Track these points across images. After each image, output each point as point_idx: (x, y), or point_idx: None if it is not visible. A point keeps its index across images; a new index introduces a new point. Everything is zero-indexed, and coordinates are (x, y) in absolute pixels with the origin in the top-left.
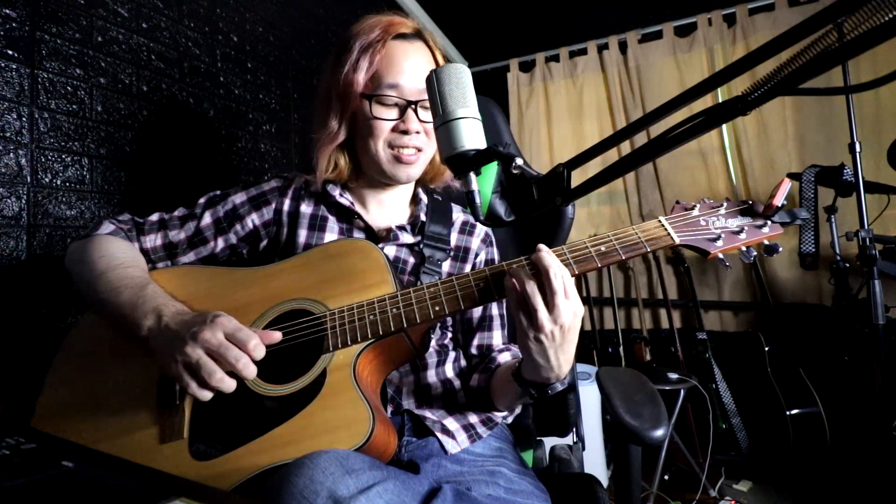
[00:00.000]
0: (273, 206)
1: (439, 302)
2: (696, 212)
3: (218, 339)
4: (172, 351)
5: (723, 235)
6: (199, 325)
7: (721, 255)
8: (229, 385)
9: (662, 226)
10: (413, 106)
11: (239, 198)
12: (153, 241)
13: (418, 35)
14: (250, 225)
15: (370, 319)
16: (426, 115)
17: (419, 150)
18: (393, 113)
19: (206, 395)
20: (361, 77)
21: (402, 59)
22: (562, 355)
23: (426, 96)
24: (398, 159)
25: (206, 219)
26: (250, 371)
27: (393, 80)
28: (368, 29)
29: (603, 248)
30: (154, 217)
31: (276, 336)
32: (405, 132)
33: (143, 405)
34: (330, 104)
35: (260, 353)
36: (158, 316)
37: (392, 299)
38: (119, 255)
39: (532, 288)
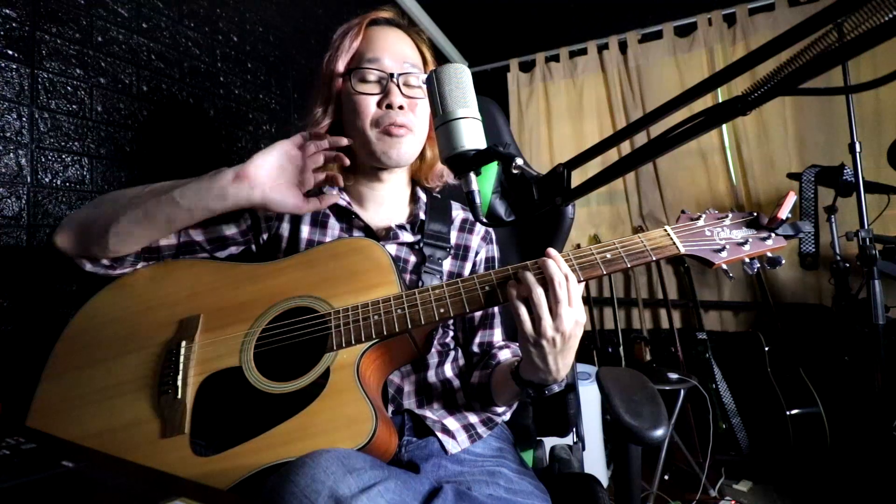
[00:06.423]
0: None
1: (444, 305)
2: (701, 222)
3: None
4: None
5: (727, 247)
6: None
7: (725, 266)
8: None
9: (668, 235)
10: (394, 79)
11: None
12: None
13: (396, 22)
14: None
15: (375, 319)
16: (410, 91)
17: (407, 128)
18: (375, 88)
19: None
20: (342, 60)
21: (380, 38)
22: (561, 360)
23: (408, 70)
24: (387, 133)
25: None
26: None
27: (372, 55)
28: (350, 21)
29: (609, 256)
30: None
31: (344, 140)
32: (389, 106)
33: (143, 400)
34: (317, 94)
35: None
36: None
37: (397, 300)
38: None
39: (539, 295)
